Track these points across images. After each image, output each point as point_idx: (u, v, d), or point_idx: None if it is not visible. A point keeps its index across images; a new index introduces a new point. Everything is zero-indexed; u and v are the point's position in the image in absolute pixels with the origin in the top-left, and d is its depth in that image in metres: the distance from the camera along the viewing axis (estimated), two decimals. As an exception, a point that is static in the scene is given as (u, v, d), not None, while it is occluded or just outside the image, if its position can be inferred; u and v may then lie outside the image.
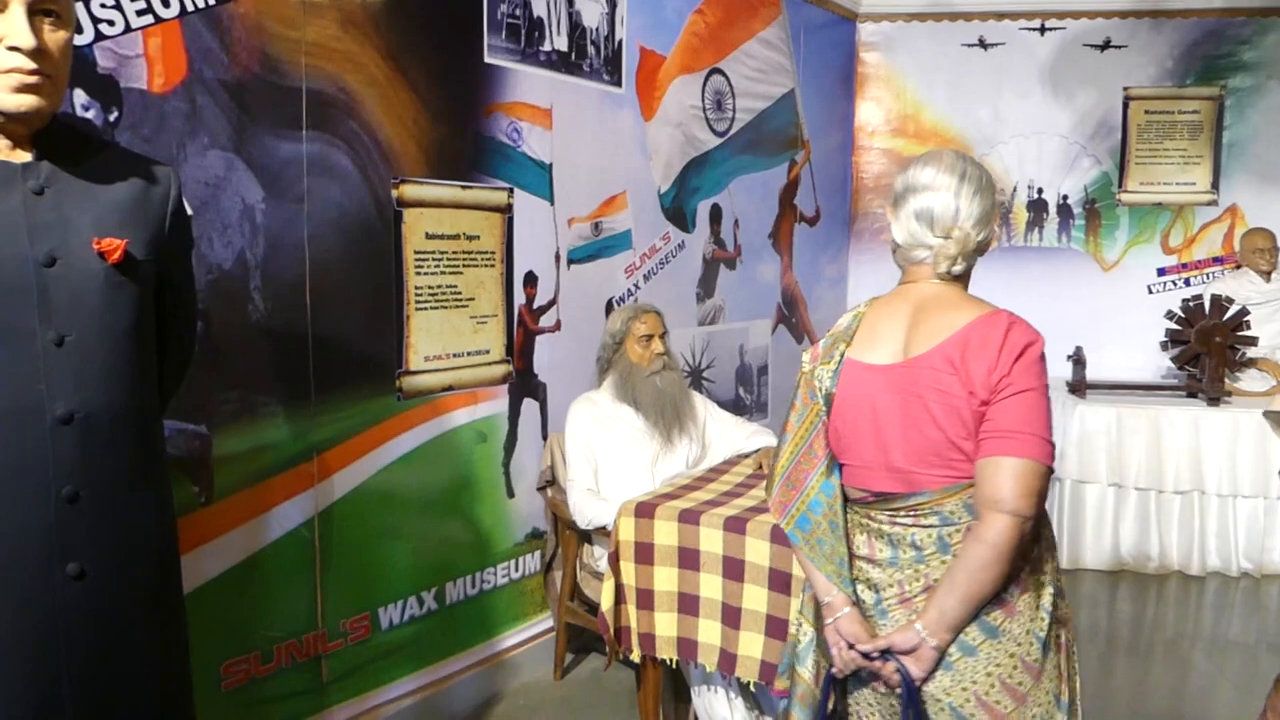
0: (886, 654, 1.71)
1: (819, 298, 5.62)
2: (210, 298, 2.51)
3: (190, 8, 2.42)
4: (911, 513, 1.74)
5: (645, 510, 2.75)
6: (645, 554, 2.75)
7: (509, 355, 3.45)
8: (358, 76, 2.85)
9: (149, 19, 2.37)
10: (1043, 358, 1.69)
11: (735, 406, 4.81)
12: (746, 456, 3.36)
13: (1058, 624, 1.77)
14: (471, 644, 3.35)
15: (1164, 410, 4.75)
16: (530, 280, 3.52)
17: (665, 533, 2.72)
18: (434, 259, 3.13)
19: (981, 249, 1.80)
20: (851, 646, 1.75)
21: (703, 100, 4.41)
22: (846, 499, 1.86)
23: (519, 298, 3.48)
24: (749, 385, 4.95)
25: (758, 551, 2.57)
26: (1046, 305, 5.49)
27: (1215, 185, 5.59)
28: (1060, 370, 5.13)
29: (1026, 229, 5.69)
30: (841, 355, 1.82)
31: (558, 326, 3.66)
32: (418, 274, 3.08)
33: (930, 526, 1.73)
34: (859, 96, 5.80)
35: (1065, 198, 5.65)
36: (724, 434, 3.55)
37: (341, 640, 2.89)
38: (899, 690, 1.71)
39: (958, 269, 1.77)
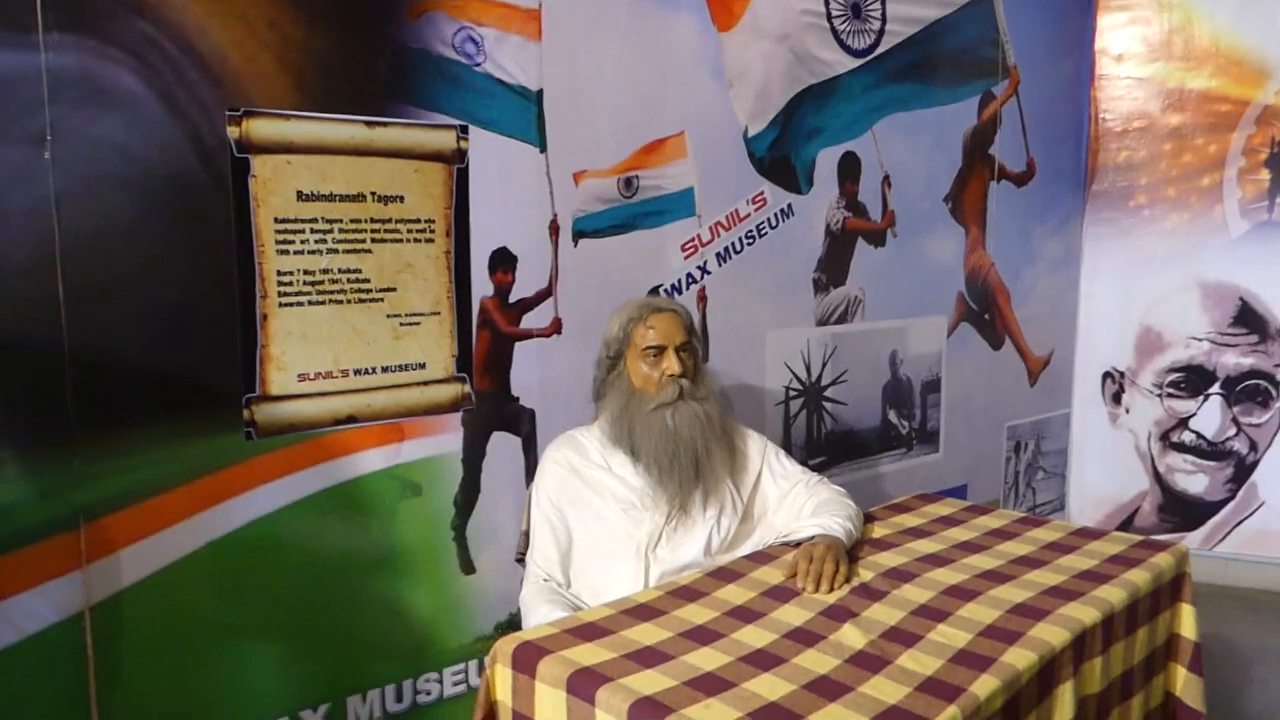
0: None
1: (1032, 285, 4.10)
2: None
3: None
4: None
5: (525, 660, 1.60)
6: (519, 737, 1.61)
7: (463, 370, 2.38)
8: (157, -48, 1.88)
9: None
10: None
11: (882, 437, 3.48)
12: (794, 545, 2.10)
13: None
14: (391, 786, 2.34)
15: None
16: (503, 262, 2.43)
17: (549, 707, 1.56)
18: (314, 230, 2.12)
19: None
20: None
21: (826, 4, 3.09)
22: None
23: (481, 288, 2.40)
24: (906, 408, 3.58)
25: (673, 779, 1.37)
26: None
27: None
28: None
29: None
30: None
31: (554, 328, 2.54)
32: (282, 253, 2.07)
33: None
34: (1100, 6, 4.18)
35: None
36: (787, 500, 2.30)
37: (127, 795, 1.97)
38: None
39: None
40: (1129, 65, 4.18)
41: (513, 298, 2.46)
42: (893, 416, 3.53)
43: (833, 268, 3.24)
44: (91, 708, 1.91)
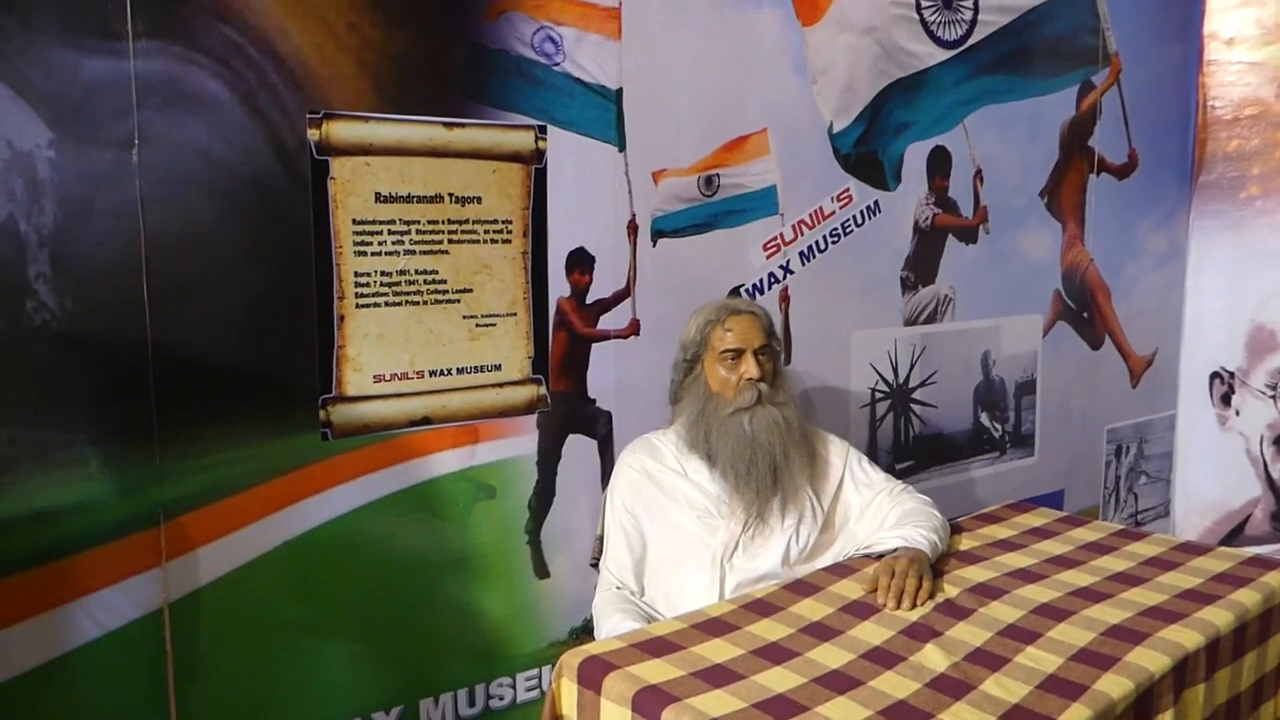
0: None
1: (1134, 281, 3.91)
2: (-53, 292, 1.68)
3: None
4: None
5: (590, 675, 1.57)
6: (587, 751, 1.58)
7: (539, 372, 2.36)
8: (239, -43, 1.89)
9: None
10: None
11: (974, 440, 3.36)
12: (876, 557, 2.03)
13: None
14: (464, 788, 2.34)
15: None
16: (580, 262, 2.40)
17: (616, 723, 1.53)
18: (391, 232, 2.12)
19: None
20: None
21: (916, -7, 2.99)
22: None
23: (558, 288, 2.38)
24: (999, 409, 3.45)
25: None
26: None
27: None
28: None
29: None
30: None
31: (632, 329, 2.51)
32: (359, 254, 2.08)
33: None
34: (1211, -13, 3.98)
35: None
36: (870, 509, 2.23)
37: (203, 791, 2.00)
38: None
39: None
40: (1241, 49, 3.96)
41: (590, 298, 2.43)
42: (985, 419, 3.41)
43: (921, 266, 3.14)
44: (170, 703, 1.94)
